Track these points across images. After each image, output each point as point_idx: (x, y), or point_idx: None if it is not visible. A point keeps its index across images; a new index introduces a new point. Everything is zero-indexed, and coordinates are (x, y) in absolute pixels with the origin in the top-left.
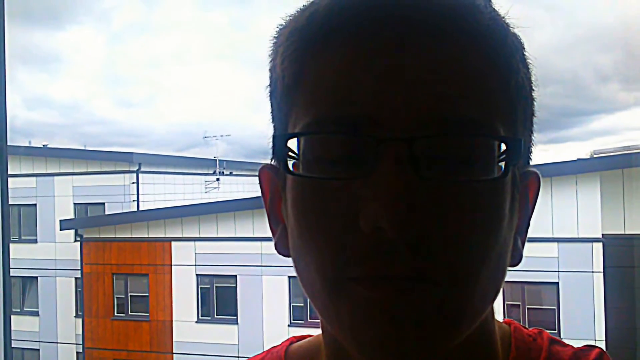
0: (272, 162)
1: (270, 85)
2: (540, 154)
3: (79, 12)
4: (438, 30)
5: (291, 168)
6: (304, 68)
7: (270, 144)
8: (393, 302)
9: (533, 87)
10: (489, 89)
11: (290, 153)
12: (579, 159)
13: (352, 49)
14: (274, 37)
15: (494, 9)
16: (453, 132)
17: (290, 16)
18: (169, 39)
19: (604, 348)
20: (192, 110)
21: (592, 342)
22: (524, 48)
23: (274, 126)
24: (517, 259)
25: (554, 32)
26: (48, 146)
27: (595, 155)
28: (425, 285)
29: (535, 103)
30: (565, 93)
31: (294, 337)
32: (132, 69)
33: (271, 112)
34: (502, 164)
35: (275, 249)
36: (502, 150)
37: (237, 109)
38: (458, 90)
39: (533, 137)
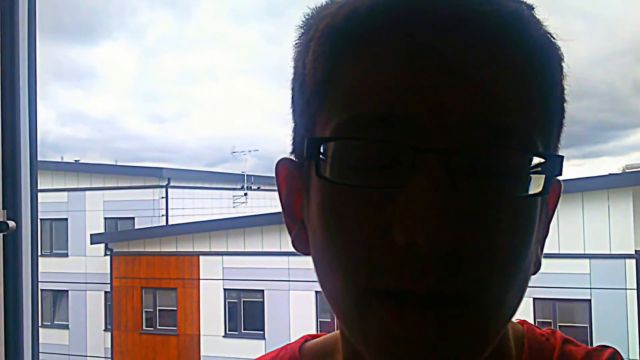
0: (292, 157)
1: (295, 79)
2: (574, 168)
3: (113, 27)
4: (489, 37)
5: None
6: (343, 65)
7: (291, 140)
8: (422, 319)
9: (566, 100)
10: (532, 99)
11: (321, 156)
12: (610, 174)
13: (397, 50)
14: (302, 28)
15: (538, 19)
16: (496, 143)
17: (320, 9)
18: (201, 54)
19: None
20: (223, 126)
21: None
22: (563, 60)
23: (295, 121)
24: (537, 267)
25: (592, 44)
26: (80, 162)
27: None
28: (455, 303)
29: (565, 116)
30: (601, 107)
31: (309, 334)
32: (164, 84)
33: (293, 106)
34: (540, 179)
35: (293, 246)
36: (535, 165)
37: (265, 124)
38: (505, 99)
39: (559, 149)
